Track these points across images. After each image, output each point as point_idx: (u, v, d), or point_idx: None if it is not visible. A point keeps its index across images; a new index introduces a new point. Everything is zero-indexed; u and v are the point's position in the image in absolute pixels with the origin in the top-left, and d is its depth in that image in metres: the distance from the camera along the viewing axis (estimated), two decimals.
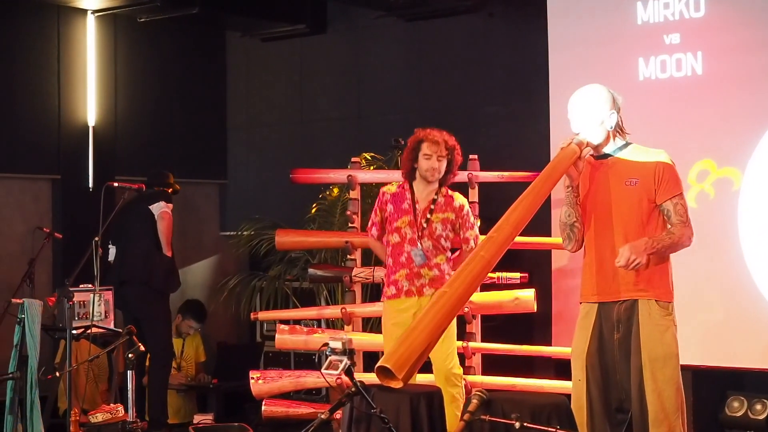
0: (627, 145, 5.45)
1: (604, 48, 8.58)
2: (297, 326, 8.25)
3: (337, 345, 4.49)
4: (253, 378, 8.10)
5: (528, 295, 7.97)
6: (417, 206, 6.47)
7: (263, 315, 8.67)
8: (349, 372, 4.49)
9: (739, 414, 8.37)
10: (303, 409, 8.13)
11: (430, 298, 6.23)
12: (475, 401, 4.50)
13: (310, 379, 8.20)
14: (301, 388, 8.41)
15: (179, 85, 11.25)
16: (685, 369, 7.97)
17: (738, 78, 8.05)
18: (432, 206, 6.47)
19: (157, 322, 8.47)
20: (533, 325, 9.00)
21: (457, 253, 6.92)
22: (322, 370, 4.55)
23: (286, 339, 8.15)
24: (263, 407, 8.00)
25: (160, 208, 8.62)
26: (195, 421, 9.16)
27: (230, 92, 11.77)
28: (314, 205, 9.55)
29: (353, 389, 4.59)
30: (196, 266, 11.28)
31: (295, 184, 8.83)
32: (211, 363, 10.18)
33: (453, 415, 5.74)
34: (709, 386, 8.48)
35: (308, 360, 9.65)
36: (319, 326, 8.83)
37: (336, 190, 9.49)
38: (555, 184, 5.40)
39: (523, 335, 8.55)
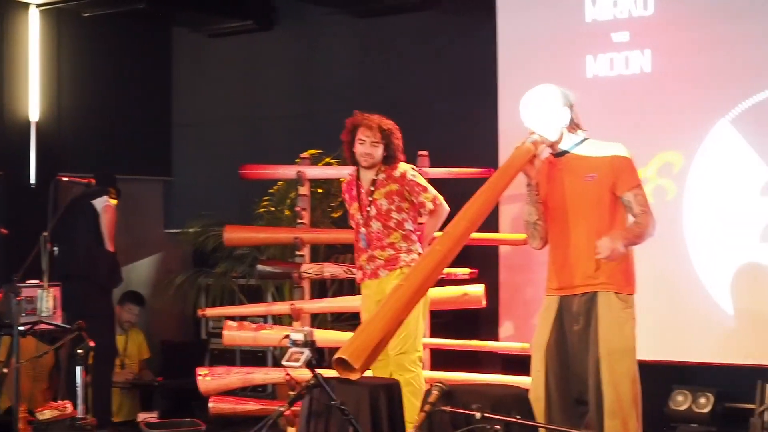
0: (583, 140, 5.51)
1: (552, 45, 8.63)
2: (245, 322, 8.21)
3: (298, 337, 4.46)
4: (200, 375, 8.04)
5: (477, 290, 8.01)
6: (362, 190, 6.48)
7: (211, 312, 8.60)
8: (310, 364, 4.47)
9: (684, 407, 8.44)
10: (251, 406, 8.08)
11: (387, 281, 6.27)
12: (435, 392, 4.50)
13: (258, 375, 8.16)
14: (249, 384, 8.38)
15: (124, 81, 11.13)
16: None
17: (686, 76, 8.14)
18: (372, 186, 6.48)
19: (99, 318, 8.33)
20: (480, 321, 9.01)
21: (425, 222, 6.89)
22: (284, 362, 4.52)
23: (234, 335, 8.11)
24: (211, 404, 7.94)
25: (103, 202, 8.57)
26: (139, 419, 9.11)
27: (176, 89, 11.68)
28: (265, 199, 9.49)
29: (313, 381, 4.57)
30: (140, 264, 11.16)
31: (242, 182, 8.77)
32: (155, 361, 10.10)
33: (408, 401, 5.73)
34: (654, 380, 8.49)
35: (254, 357, 9.61)
36: (266, 323, 8.80)
37: (282, 187, 9.45)
38: (510, 182, 5.44)
39: (470, 331, 8.56)
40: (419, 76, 10.08)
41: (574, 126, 5.52)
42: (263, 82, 11.14)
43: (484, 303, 8.05)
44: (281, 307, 8.34)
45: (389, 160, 6.61)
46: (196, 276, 9.95)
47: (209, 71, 11.50)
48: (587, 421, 5.39)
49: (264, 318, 9.02)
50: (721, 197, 7.99)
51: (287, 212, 9.16)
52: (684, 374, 8.75)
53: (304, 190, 8.29)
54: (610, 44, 8.41)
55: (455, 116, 9.62)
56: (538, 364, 5.43)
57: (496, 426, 4.18)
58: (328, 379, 4.64)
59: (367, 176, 6.61)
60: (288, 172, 8.44)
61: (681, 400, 8.50)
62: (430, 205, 6.63)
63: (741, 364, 8.06)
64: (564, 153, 5.48)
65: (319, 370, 4.76)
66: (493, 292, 8.61)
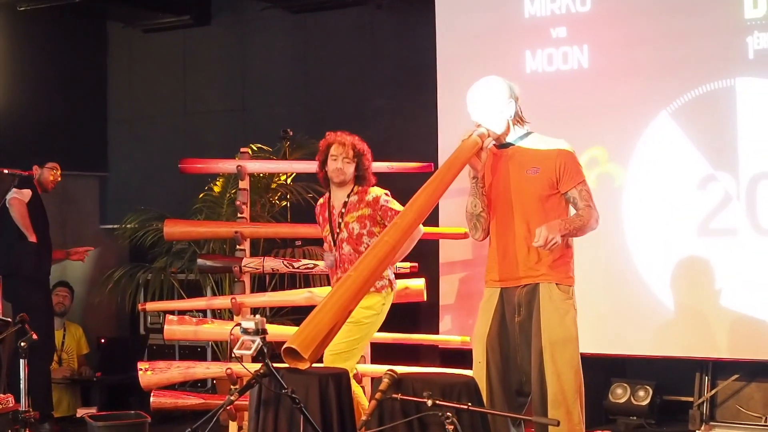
0: (528, 134, 5.56)
1: (491, 41, 8.69)
2: (186, 317, 8.17)
3: (249, 325, 4.46)
4: (141, 369, 7.97)
5: (418, 284, 8.02)
6: (333, 211, 6.46)
7: (151, 306, 8.56)
8: (261, 353, 4.48)
9: (623, 400, 8.57)
10: (192, 400, 8.04)
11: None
12: (386, 380, 4.51)
13: (199, 369, 8.12)
14: (191, 378, 8.33)
15: (60, 77, 11.06)
16: None
17: (622, 71, 8.24)
18: (343, 209, 6.45)
19: (35, 312, 8.19)
20: (420, 315, 9.07)
21: None
22: (235, 351, 4.52)
23: (174, 330, 8.05)
24: (152, 398, 7.88)
25: (10, 195, 8.52)
26: (78, 415, 9.05)
27: (112, 84, 11.62)
28: (201, 195, 9.46)
29: (263, 370, 4.58)
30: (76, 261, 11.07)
31: (178, 178, 8.76)
32: (94, 356, 10.03)
33: None
34: (593, 373, 8.59)
35: (194, 352, 9.60)
36: (205, 317, 8.77)
37: (221, 182, 9.44)
38: (457, 174, 5.46)
39: (411, 325, 8.59)
40: (356, 72, 10.12)
41: (518, 119, 5.56)
42: (199, 78, 11.12)
43: (425, 297, 8.08)
44: (222, 301, 8.32)
45: (361, 180, 6.57)
46: (134, 271, 9.88)
47: (145, 66, 11.46)
48: (525, 412, 5.44)
49: (204, 313, 8.97)
50: (660, 191, 8.11)
51: (226, 207, 9.13)
52: (623, 367, 8.88)
53: (244, 184, 8.27)
54: (548, 40, 8.50)
55: (394, 111, 9.67)
56: (479, 355, 5.46)
57: (447, 413, 4.20)
58: (276, 369, 4.65)
59: (338, 197, 6.55)
60: (228, 166, 8.41)
61: (620, 393, 8.62)
62: None
63: (680, 357, 8.18)
64: (508, 145, 5.52)
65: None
66: (433, 287, 8.66)
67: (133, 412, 6.95)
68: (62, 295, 9.78)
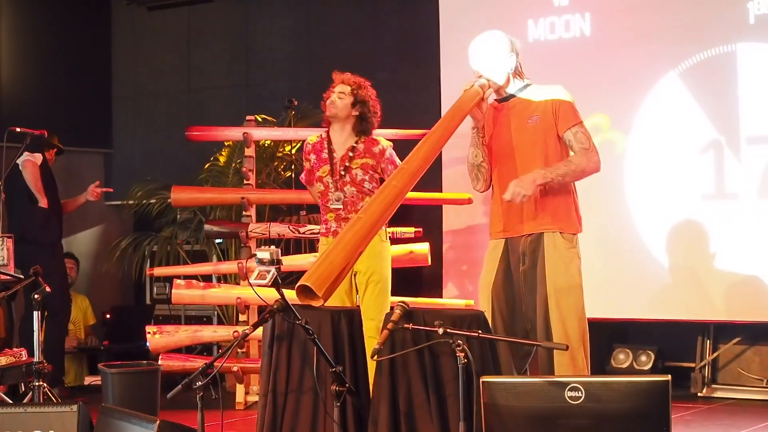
0: (527, 86, 5.62)
1: (493, 10, 8.80)
2: (193, 281, 8.25)
3: (264, 255, 4.53)
4: (149, 333, 8.07)
5: (422, 248, 8.13)
6: (335, 154, 6.44)
7: (159, 271, 8.62)
8: (276, 282, 4.55)
9: (625, 365, 8.65)
10: (200, 363, 8.10)
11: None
12: (397, 311, 4.58)
13: (206, 333, 8.23)
14: (198, 342, 8.42)
15: (64, 54, 11.14)
16: None
17: (624, 39, 8.34)
18: (351, 153, 6.42)
19: (46, 277, 8.24)
20: (424, 280, 9.16)
21: None
22: (251, 281, 4.59)
23: (182, 294, 8.14)
24: (160, 362, 7.97)
25: (24, 158, 8.45)
26: (86, 383, 9.13)
27: (116, 61, 11.69)
28: (206, 165, 9.54)
29: (276, 304, 4.66)
30: (82, 235, 11.17)
31: (183, 153, 8.83)
32: (101, 326, 10.11)
33: None
34: (595, 339, 8.65)
35: (199, 321, 9.65)
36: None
37: (226, 152, 9.52)
38: (460, 122, 5.52)
39: (414, 291, 8.68)
40: (359, 45, 10.18)
41: (518, 72, 5.65)
42: (203, 54, 11.19)
43: (429, 261, 8.18)
44: (229, 266, 8.41)
45: (363, 123, 6.52)
46: (140, 240, 9.95)
47: (149, 43, 11.52)
48: (531, 361, 5.51)
49: (210, 279, 9.06)
50: (661, 157, 8.21)
51: (232, 176, 9.21)
52: (625, 333, 8.97)
53: (249, 151, 8.36)
54: (550, 8, 8.60)
55: (397, 84, 9.73)
56: (484, 304, 5.51)
57: (458, 341, 4.28)
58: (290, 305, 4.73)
59: (339, 140, 6.51)
60: (234, 133, 8.51)
61: (622, 359, 8.71)
62: None
63: (681, 320, 8.27)
64: (508, 98, 5.60)
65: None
66: (437, 253, 8.76)
67: (144, 361, 7.03)
68: (69, 267, 9.79)
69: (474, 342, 4.56)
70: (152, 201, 9.80)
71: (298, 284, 4.74)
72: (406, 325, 4.54)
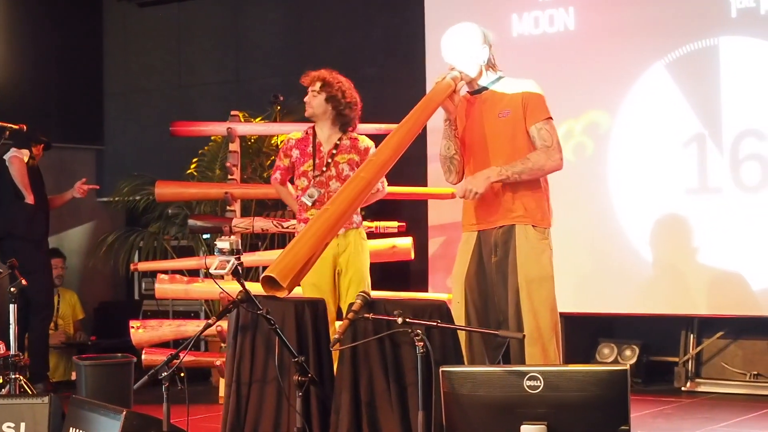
0: (499, 78, 5.63)
1: (478, 5, 8.82)
2: (177, 275, 8.27)
3: (224, 246, 4.56)
4: (133, 327, 8.09)
5: (405, 243, 8.14)
6: (321, 149, 6.45)
7: (143, 266, 8.66)
8: (236, 272, 4.57)
9: (610, 359, 8.66)
10: (184, 357, 8.13)
11: (345, 239, 6.32)
12: (358, 301, 4.60)
13: (190, 327, 8.23)
14: (182, 336, 8.41)
15: (56, 51, 11.17)
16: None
17: (607, 33, 8.36)
18: (335, 149, 6.43)
19: (32, 273, 8.19)
20: (411, 275, 9.17)
21: None
22: (211, 271, 4.61)
23: (166, 288, 8.17)
24: (143, 356, 7.99)
25: (10, 154, 8.46)
26: (74, 378, 9.12)
27: (107, 58, 11.72)
28: (194, 160, 9.55)
29: (240, 296, 4.68)
30: (73, 232, 11.20)
31: (174, 150, 8.83)
32: (89, 321, 10.13)
33: None
34: (581, 333, 8.75)
35: (187, 316, 9.66)
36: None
37: (212, 143, 9.53)
38: (430, 116, 5.54)
39: (400, 286, 8.68)
40: (347, 41, 10.20)
41: (491, 65, 5.65)
42: (193, 50, 11.21)
43: (412, 255, 8.19)
44: (212, 261, 8.39)
45: (342, 117, 6.53)
46: (127, 235, 9.97)
47: (140, 40, 11.55)
48: (504, 351, 5.51)
49: (196, 274, 9.06)
50: (645, 151, 8.22)
51: (218, 171, 9.23)
52: (610, 328, 8.97)
53: (234, 146, 8.37)
54: (534, 3, 8.62)
55: (384, 79, 9.75)
56: (458, 295, 5.53)
57: (417, 330, 4.29)
58: (254, 296, 4.75)
59: (325, 136, 6.53)
60: (218, 128, 8.52)
61: (607, 353, 8.72)
62: (379, 185, 6.61)
63: (664, 314, 8.27)
64: (481, 90, 5.61)
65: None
66: (422, 248, 8.77)
67: (119, 354, 7.05)
68: (59, 267, 9.76)
69: (435, 332, 4.58)
70: (137, 198, 9.79)
71: (263, 275, 4.78)
72: (366, 315, 4.56)
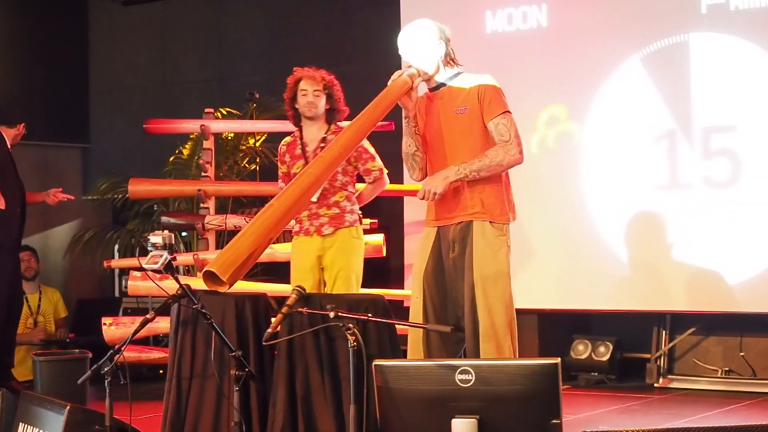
0: (458, 74, 5.61)
1: (452, 2, 8.83)
2: (150, 272, 8.26)
3: (157, 240, 4.58)
4: (105, 324, 8.10)
5: (377, 240, 8.12)
6: (307, 149, 6.50)
7: (116, 263, 8.70)
8: (169, 267, 4.59)
9: (584, 356, 8.65)
10: (155, 354, 8.18)
11: (332, 238, 6.36)
12: (293, 296, 4.62)
13: (162, 324, 8.24)
14: (154, 333, 8.47)
15: (41, 49, 11.20)
16: (531, 313, 8.29)
17: (579, 30, 8.37)
18: (322, 144, 6.46)
19: None
20: (386, 274, 9.18)
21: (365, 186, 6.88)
22: (143, 265, 4.63)
23: (138, 285, 8.17)
24: None
25: None
26: None
27: (93, 56, 11.76)
28: (171, 158, 9.59)
29: (178, 291, 4.70)
30: (59, 230, 11.23)
31: (160, 147, 8.89)
32: (72, 320, 10.16)
33: None
34: (556, 330, 8.76)
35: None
36: None
37: (190, 145, 9.56)
38: (385, 112, 5.55)
39: (380, 283, 8.67)
40: (328, 39, 10.23)
41: (449, 60, 5.64)
42: (177, 49, 11.25)
43: (384, 252, 8.18)
44: (185, 258, 8.43)
45: (333, 114, 6.59)
46: (105, 233, 9.99)
47: (125, 39, 11.60)
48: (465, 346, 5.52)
49: None
50: (616, 148, 8.23)
51: (194, 169, 9.26)
52: (584, 323, 8.99)
53: (208, 144, 8.40)
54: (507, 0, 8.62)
55: (364, 77, 9.74)
56: (416, 291, 5.52)
57: (348, 324, 4.30)
58: (195, 291, 4.77)
59: (312, 134, 6.56)
60: (192, 126, 8.55)
61: (581, 350, 8.71)
62: (376, 173, 6.63)
63: (638, 310, 8.27)
64: (439, 87, 5.61)
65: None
66: (398, 245, 8.78)
67: (77, 350, 7.07)
68: (26, 260, 9.61)
69: (371, 326, 4.59)
70: (116, 196, 9.82)
71: (204, 270, 4.79)
72: (300, 309, 4.58)
